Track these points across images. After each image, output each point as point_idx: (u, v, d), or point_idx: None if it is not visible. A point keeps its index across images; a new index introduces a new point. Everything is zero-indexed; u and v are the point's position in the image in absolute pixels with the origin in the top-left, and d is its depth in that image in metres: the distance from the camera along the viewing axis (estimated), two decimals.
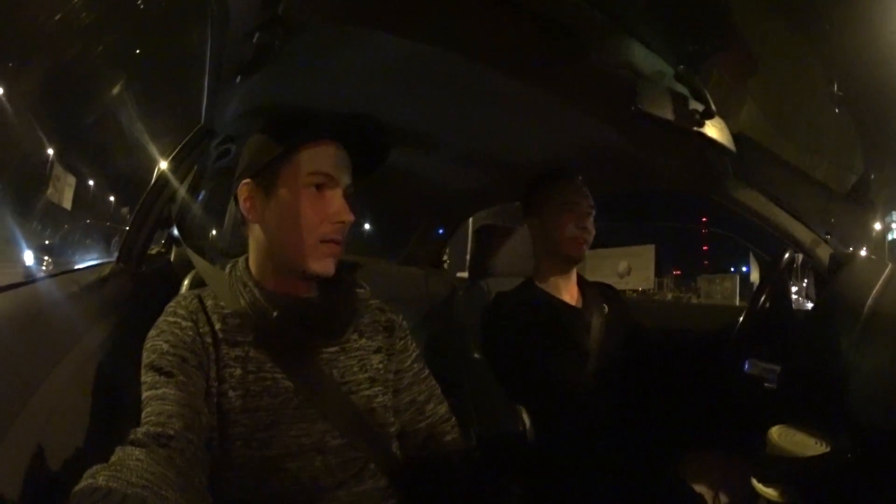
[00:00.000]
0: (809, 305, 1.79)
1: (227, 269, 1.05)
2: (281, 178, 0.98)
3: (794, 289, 2.19)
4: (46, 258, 8.28)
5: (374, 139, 1.07)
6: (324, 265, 0.99)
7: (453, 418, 1.16)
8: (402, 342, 1.14)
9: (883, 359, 1.11)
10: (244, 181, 1.01)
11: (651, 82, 1.23)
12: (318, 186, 0.98)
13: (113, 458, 0.72)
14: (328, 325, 1.03)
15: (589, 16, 1.13)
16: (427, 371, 1.17)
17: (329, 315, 1.04)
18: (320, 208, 0.98)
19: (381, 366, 1.07)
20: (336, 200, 0.99)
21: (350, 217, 0.99)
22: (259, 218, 1.01)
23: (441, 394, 1.17)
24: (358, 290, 1.15)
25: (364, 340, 1.07)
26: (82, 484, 0.66)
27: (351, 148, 1.04)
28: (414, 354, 1.16)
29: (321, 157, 0.99)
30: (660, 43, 1.26)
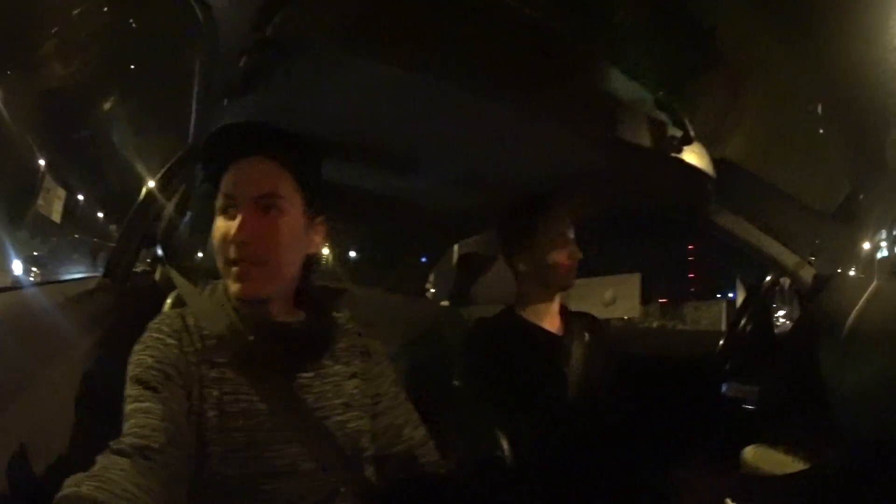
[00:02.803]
0: None
1: (208, 291, 1.06)
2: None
3: (781, 312, 2.21)
4: (35, 269, 8.24)
5: (298, 149, 1.04)
6: (236, 289, 0.96)
7: (430, 442, 1.15)
8: (378, 367, 1.14)
9: (868, 373, 1.10)
10: None
11: (630, 109, 1.25)
12: (228, 210, 0.97)
13: (96, 467, 0.73)
14: (303, 352, 1.03)
15: (572, 41, 1.15)
16: (404, 395, 1.16)
17: (305, 341, 1.04)
18: (224, 230, 0.96)
19: (355, 391, 1.07)
20: (237, 220, 0.95)
21: (237, 235, 0.93)
22: None
23: (418, 418, 1.16)
24: (336, 315, 1.15)
25: (339, 366, 1.07)
26: (66, 491, 0.66)
27: (296, 162, 1.01)
28: (390, 379, 1.15)
29: (227, 178, 0.98)
30: (641, 69, 1.28)
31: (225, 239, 0.95)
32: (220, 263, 0.98)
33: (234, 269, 0.96)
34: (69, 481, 0.68)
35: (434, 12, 1.03)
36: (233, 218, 0.96)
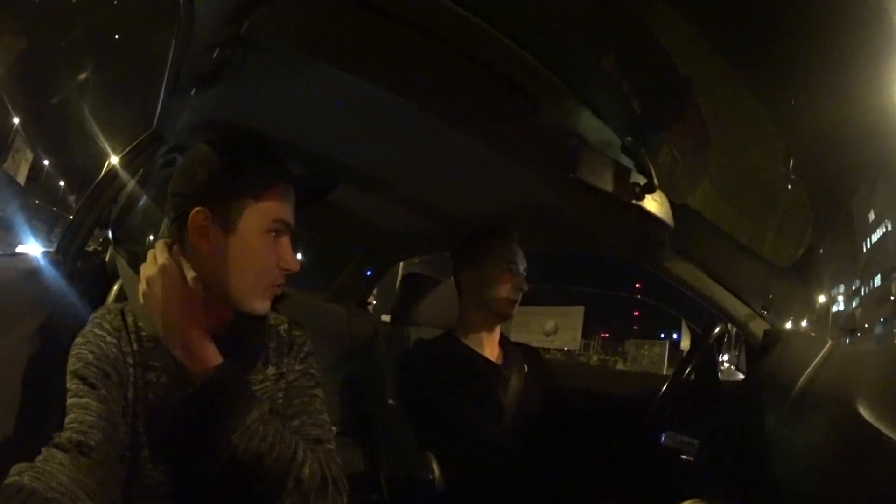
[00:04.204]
0: (741, 376, 1.80)
1: None
2: (244, 217, 0.99)
3: (725, 357, 2.21)
4: None
5: (325, 184, 1.16)
6: (265, 305, 1.03)
7: (326, 445, 1.04)
8: (294, 359, 1.12)
9: (815, 436, 1.10)
10: (198, 208, 0.98)
11: (595, 152, 1.25)
12: (276, 232, 1.01)
13: (38, 458, 0.76)
14: (238, 359, 1.00)
15: (543, 78, 1.16)
16: (313, 393, 1.10)
17: (239, 350, 1.02)
18: (275, 254, 1.01)
19: (280, 393, 1.07)
20: (288, 248, 1.03)
21: (296, 264, 1.03)
22: (210, 250, 0.99)
23: (321, 419, 1.07)
24: (270, 315, 1.13)
25: (271, 368, 1.08)
26: (10, 480, 0.71)
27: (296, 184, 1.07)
28: (298, 370, 1.11)
29: (283, 205, 1.02)
30: (610, 112, 1.29)
31: (279, 264, 1.02)
32: (257, 282, 1.01)
33: (274, 290, 1.04)
34: (14, 469, 0.73)
35: (405, 33, 1.03)
36: (281, 244, 1.03)
